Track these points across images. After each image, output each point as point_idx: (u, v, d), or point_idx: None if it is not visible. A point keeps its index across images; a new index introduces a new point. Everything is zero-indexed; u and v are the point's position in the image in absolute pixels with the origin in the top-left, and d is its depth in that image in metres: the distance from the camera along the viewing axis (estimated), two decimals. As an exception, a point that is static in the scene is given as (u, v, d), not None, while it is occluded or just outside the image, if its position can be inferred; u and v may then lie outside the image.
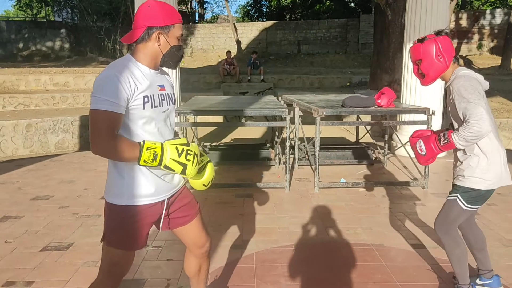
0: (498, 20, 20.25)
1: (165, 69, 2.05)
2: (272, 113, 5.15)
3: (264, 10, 34.77)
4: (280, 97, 7.25)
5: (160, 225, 2.02)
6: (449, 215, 2.59)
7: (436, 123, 6.84)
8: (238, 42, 22.40)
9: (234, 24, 23.46)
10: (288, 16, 32.10)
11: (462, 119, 2.35)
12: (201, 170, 2.08)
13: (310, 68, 18.97)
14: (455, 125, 2.50)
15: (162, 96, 1.94)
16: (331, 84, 15.90)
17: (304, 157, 6.45)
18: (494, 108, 11.10)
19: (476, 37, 20.52)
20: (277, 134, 6.44)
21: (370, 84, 12.49)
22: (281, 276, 3.07)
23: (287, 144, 5.08)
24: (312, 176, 5.60)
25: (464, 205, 2.53)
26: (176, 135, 2.14)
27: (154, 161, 1.77)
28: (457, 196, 2.55)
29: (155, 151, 1.77)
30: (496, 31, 20.14)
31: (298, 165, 6.27)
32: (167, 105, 1.97)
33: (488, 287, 2.78)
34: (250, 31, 23.76)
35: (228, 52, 15.65)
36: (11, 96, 11.39)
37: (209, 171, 2.11)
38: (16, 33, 23.29)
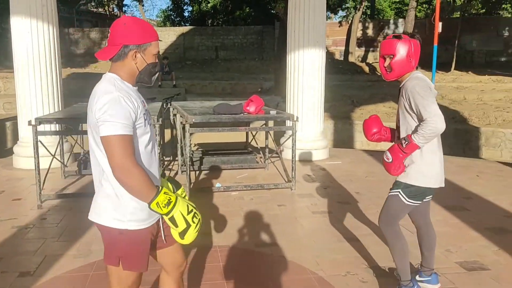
0: (400, 29, 21.72)
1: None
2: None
3: (186, 15, 34.72)
4: (169, 104, 7.37)
5: (163, 241, 2.04)
6: (391, 210, 2.77)
7: (308, 129, 7.27)
8: (155, 47, 22.14)
9: (150, 28, 23.18)
10: (209, 22, 32.26)
11: (417, 114, 2.55)
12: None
13: (226, 74, 19.22)
14: (403, 127, 2.70)
15: (147, 112, 1.96)
16: (243, 90, 16.20)
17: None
18: (384, 113, 11.94)
19: (381, 45, 21.87)
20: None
21: (274, 90, 12.92)
22: (114, 282, 3.14)
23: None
24: (192, 181, 5.74)
25: (406, 200, 2.70)
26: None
27: (166, 207, 1.76)
28: (399, 192, 2.72)
29: (170, 198, 1.77)
30: (399, 39, 21.60)
31: (181, 171, 6.38)
32: (150, 120, 1.99)
33: (427, 284, 2.98)
34: (168, 36, 23.62)
35: (138, 58, 15.44)
36: None
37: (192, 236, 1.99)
38: None
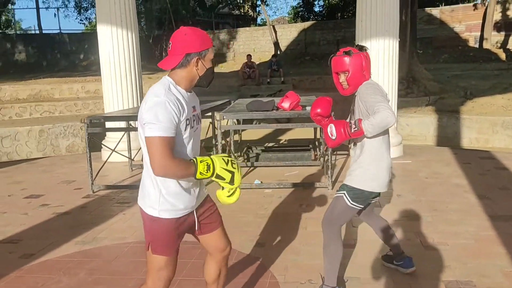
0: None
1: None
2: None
3: (316, 10, 34.62)
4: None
5: (196, 230, 2.23)
6: (335, 210, 2.79)
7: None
8: (276, 44, 22.66)
9: (273, 26, 23.75)
10: (339, 15, 31.69)
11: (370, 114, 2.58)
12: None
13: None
14: None
15: (194, 117, 2.12)
16: (352, 83, 15.63)
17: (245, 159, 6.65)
18: (501, 106, 10.40)
19: (527, 27, 19.00)
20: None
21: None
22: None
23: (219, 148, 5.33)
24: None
25: (349, 201, 2.73)
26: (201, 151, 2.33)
27: (208, 171, 1.98)
28: (344, 193, 2.76)
29: (208, 163, 1.98)
30: (550, 19, 18.50)
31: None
32: (197, 124, 2.15)
33: (401, 267, 3.14)
34: (289, 32, 23.90)
35: (248, 56, 16.00)
36: (37, 104, 12.66)
37: (237, 193, 2.16)
38: (77, 45, 24.84)
